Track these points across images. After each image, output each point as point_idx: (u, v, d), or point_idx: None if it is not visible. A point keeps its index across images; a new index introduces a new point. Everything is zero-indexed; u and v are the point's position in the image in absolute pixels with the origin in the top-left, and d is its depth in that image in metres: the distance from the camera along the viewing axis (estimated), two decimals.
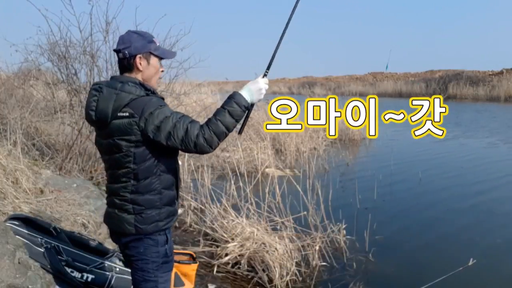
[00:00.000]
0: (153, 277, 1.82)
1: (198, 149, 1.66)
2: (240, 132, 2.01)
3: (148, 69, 1.78)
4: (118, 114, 1.66)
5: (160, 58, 1.83)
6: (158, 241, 1.80)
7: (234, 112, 1.71)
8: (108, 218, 1.86)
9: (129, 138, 1.67)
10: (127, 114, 1.65)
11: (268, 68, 1.94)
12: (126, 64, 1.76)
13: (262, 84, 1.82)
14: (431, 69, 40.89)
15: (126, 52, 1.73)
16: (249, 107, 1.79)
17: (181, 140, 1.64)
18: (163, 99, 1.78)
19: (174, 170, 1.84)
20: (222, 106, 1.73)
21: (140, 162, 1.71)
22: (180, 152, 1.86)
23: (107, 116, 1.68)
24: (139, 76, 1.77)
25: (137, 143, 1.68)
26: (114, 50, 1.79)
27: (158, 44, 1.82)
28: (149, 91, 1.74)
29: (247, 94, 1.77)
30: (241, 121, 1.83)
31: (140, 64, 1.75)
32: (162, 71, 1.88)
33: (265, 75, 1.89)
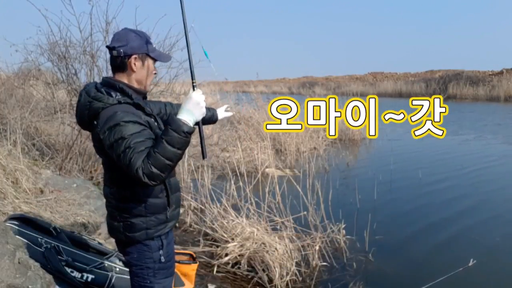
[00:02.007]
0: (148, 283, 1.78)
1: (138, 183, 1.53)
2: (204, 157, 1.82)
3: (142, 71, 1.71)
4: (93, 122, 1.65)
5: (155, 61, 1.77)
6: (152, 247, 1.76)
7: (173, 140, 1.51)
8: (107, 224, 1.88)
9: (98, 146, 1.67)
10: (96, 123, 1.63)
11: (193, 78, 1.77)
12: (119, 63, 1.68)
13: (197, 97, 1.62)
14: (431, 69, 40.89)
15: (121, 50, 1.66)
16: (190, 130, 1.57)
17: (125, 167, 1.53)
18: (142, 108, 1.68)
19: None
20: (160, 135, 1.56)
21: (114, 170, 1.67)
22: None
23: (86, 124, 1.71)
24: (132, 77, 1.71)
25: (105, 151, 1.63)
26: (107, 47, 1.70)
27: (154, 46, 1.77)
28: (126, 96, 1.66)
29: (186, 115, 1.58)
30: (195, 144, 1.68)
31: (135, 64, 1.68)
32: (155, 73, 1.81)
33: (194, 87, 1.70)
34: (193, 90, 1.67)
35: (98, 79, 5.18)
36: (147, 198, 1.71)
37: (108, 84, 1.68)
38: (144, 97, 1.82)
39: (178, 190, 1.89)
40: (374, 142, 10.95)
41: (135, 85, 1.73)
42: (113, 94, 1.64)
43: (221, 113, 2.33)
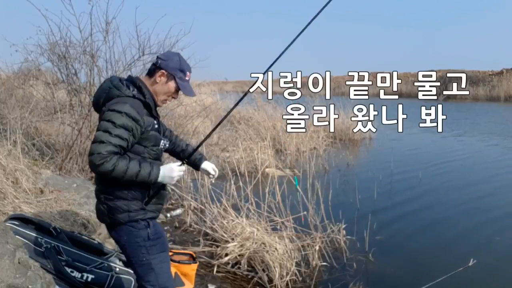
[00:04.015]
0: (145, 260, 1.91)
1: (89, 160, 1.74)
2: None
3: (162, 86, 1.93)
4: (106, 105, 1.85)
5: (178, 88, 1.96)
6: (138, 226, 1.90)
7: (142, 175, 1.79)
8: (95, 209, 2.02)
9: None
10: (106, 105, 1.85)
11: (188, 157, 2.16)
12: (151, 69, 1.95)
13: (175, 173, 1.90)
14: (431, 69, 40.88)
15: (159, 62, 1.92)
16: (154, 182, 1.86)
17: (92, 141, 1.76)
18: (148, 105, 1.88)
19: None
20: (141, 162, 1.80)
21: None
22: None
23: (99, 105, 1.91)
24: (152, 85, 1.93)
25: None
26: (157, 56, 1.99)
27: (187, 78, 1.97)
28: (141, 94, 1.87)
29: (161, 175, 1.85)
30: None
31: (160, 78, 1.92)
32: (174, 98, 2.03)
33: (182, 164, 2.01)
34: (181, 164, 1.97)
35: (98, 79, 5.18)
36: (130, 184, 1.85)
37: (130, 80, 1.93)
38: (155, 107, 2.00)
39: (163, 188, 2.01)
40: (374, 142, 10.96)
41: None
42: (131, 88, 1.87)
43: (206, 165, 2.33)
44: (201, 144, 2.18)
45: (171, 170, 1.90)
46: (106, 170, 1.71)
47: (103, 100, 1.87)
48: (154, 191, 1.96)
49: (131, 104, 1.80)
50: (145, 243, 1.90)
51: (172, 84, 1.94)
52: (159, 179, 1.86)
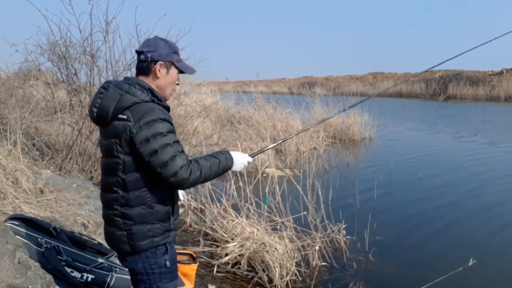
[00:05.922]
0: None
1: (174, 181, 1.60)
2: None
3: (165, 78, 1.74)
4: (118, 116, 1.61)
5: (180, 71, 1.80)
6: (157, 253, 1.74)
7: (222, 164, 1.75)
8: (104, 234, 1.83)
9: (121, 143, 1.62)
10: (125, 117, 1.60)
11: (255, 155, 2.17)
12: (145, 67, 1.71)
13: (246, 159, 1.91)
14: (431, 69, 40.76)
15: (149, 55, 1.70)
16: (229, 168, 1.83)
17: (162, 163, 1.58)
18: (168, 108, 1.74)
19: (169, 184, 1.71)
20: (210, 154, 1.75)
21: (129, 171, 1.64)
22: None
23: (107, 116, 1.63)
24: (154, 82, 1.72)
25: (127, 150, 1.62)
26: (136, 51, 1.76)
27: (181, 57, 1.80)
28: (156, 98, 1.68)
29: (234, 160, 1.82)
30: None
31: (159, 71, 1.71)
32: (178, 84, 1.84)
33: (253, 156, 2.04)
34: (251, 157, 1.99)
35: (98, 79, 5.18)
36: (154, 204, 1.69)
37: (137, 83, 1.69)
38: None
39: (178, 198, 1.89)
40: (374, 142, 10.96)
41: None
42: (145, 92, 1.66)
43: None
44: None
45: (243, 156, 1.86)
46: (196, 177, 1.63)
47: (113, 110, 1.61)
48: (176, 205, 1.80)
49: (158, 108, 1.63)
50: (160, 270, 1.75)
51: (173, 71, 1.76)
52: (232, 166, 1.82)
